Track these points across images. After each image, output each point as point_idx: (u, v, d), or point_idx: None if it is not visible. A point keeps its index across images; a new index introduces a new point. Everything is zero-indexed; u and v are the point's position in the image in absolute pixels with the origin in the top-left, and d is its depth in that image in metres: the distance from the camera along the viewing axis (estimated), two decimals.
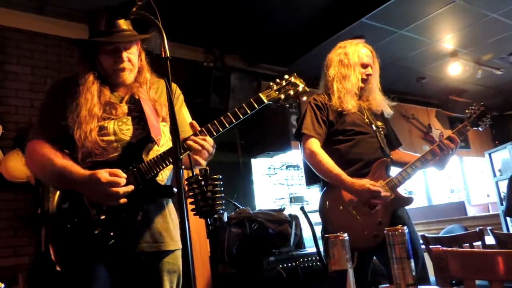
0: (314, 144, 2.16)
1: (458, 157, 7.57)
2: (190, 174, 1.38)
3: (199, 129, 1.49)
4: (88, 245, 1.40)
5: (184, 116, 1.73)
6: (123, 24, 1.50)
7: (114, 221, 1.41)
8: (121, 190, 1.36)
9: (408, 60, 5.32)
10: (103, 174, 1.35)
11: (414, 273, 1.19)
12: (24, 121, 3.44)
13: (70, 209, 1.43)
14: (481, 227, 2.70)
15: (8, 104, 3.42)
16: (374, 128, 2.26)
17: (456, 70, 5.54)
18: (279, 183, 5.10)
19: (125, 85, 1.58)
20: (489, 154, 6.47)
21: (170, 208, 1.62)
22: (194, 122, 1.51)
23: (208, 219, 3.35)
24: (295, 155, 5.10)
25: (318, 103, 2.25)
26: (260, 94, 1.57)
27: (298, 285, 3.13)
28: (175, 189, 1.31)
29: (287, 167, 5.21)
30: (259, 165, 4.99)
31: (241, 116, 1.51)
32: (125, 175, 1.39)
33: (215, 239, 3.31)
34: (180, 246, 1.57)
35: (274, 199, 4.97)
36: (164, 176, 1.57)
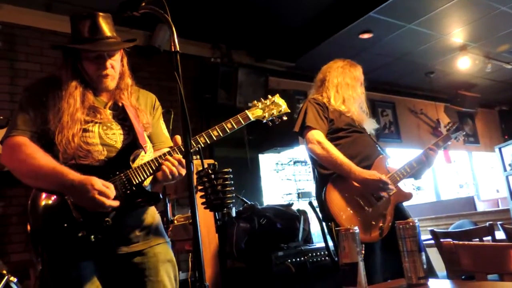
0: (320, 135, 2.23)
1: (467, 152, 7.51)
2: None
3: (179, 145, 1.50)
4: (73, 246, 1.39)
5: (161, 127, 1.75)
6: (107, 31, 1.50)
7: (99, 225, 1.40)
8: (108, 202, 1.37)
9: (417, 54, 5.27)
10: (98, 183, 1.35)
11: (425, 266, 1.19)
12: None
13: (53, 210, 1.42)
14: (491, 222, 2.68)
15: (18, 101, 3.44)
16: (368, 132, 2.40)
17: (465, 64, 5.49)
18: (287, 178, 5.10)
19: (108, 90, 1.59)
20: (499, 149, 6.39)
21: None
22: (178, 137, 1.51)
23: (216, 214, 3.37)
24: (302, 151, 5.08)
25: (318, 102, 2.36)
26: (246, 111, 1.67)
27: (306, 280, 3.14)
28: (161, 196, 1.32)
29: (294, 162, 5.21)
30: (267, 161, 4.99)
31: (228, 131, 1.59)
32: (114, 191, 1.39)
33: (223, 234, 3.32)
34: (167, 239, 1.62)
35: (282, 195, 4.98)
36: (148, 182, 1.58)
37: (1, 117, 3.08)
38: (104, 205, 1.36)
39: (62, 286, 1.42)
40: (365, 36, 4.54)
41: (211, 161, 2.60)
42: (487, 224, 2.64)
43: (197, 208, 1.17)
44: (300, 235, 3.41)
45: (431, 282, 1.20)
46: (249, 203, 3.57)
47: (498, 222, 2.73)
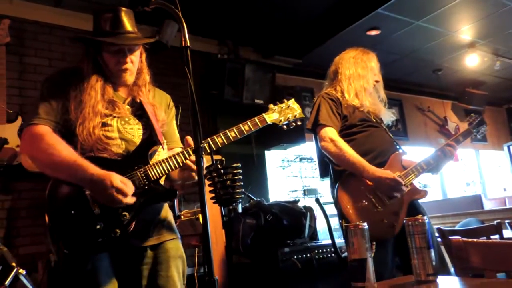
0: (333, 133, 2.18)
1: (475, 150, 7.46)
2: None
3: (191, 145, 1.50)
4: (89, 238, 1.41)
5: (174, 127, 1.78)
6: (129, 26, 1.51)
7: (116, 219, 1.42)
8: (125, 200, 1.38)
9: (425, 51, 5.24)
10: (116, 180, 1.36)
11: (434, 263, 1.18)
12: None
13: (71, 201, 1.43)
14: (498, 221, 2.67)
15: (27, 95, 3.47)
16: (384, 126, 2.35)
17: (473, 62, 5.44)
18: (293, 175, 5.10)
19: (126, 85, 1.60)
20: (508, 147, 6.36)
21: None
22: (189, 138, 1.52)
23: (223, 210, 3.38)
24: (308, 148, 5.08)
25: (331, 97, 2.30)
26: (263, 114, 1.71)
27: (312, 276, 3.14)
28: (177, 192, 1.35)
29: (300, 159, 5.21)
30: (273, 157, 4.99)
31: (245, 133, 1.61)
32: (133, 188, 1.41)
33: (229, 230, 3.33)
34: (178, 235, 1.64)
35: (288, 191, 4.98)
36: (163, 179, 1.59)
37: (11, 111, 3.11)
38: (120, 203, 1.38)
39: (77, 277, 1.43)
40: (373, 33, 4.51)
41: (219, 157, 2.61)
42: (494, 222, 2.63)
43: (206, 203, 1.18)
44: (306, 231, 3.42)
45: (440, 279, 1.20)
46: (256, 199, 3.58)
47: (506, 221, 2.72)
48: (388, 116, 2.42)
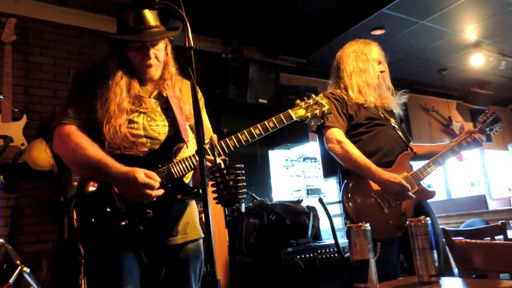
0: (340, 134, 2.14)
1: (479, 150, 7.42)
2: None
3: (215, 143, 1.49)
4: (114, 235, 1.43)
5: (204, 118, 1.74)
6: (152, 20, 1.50)
7: (141, 216, 1.43)
8: (154, 193, 1.39)
9: (429, 51, 5.22)
10: (141, 175, 1.37)
11: (437, 264, 1.18)
12: (48, 110, 3.52)
13: (97, 198, 1.46)
14: (503, 221, 2.65)
15: (32, 94, 3.49)
16: (392, 123, 2.29)
17: (478, 61, 5.42)
18: (296, 175, 5.10)
19: (152, 80, 1.60)
20: None
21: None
22: (214, 136, 1.52)
23: (226, 210, 3.38)
24: (312, 147, 5.08)
25: (336, 97, 2.25)
26: (289, 111, 1.64)
27: (316, 276, 3.14)
28: (200, 191, 1.34)
29: (304, 159, 5.20)
30: (277, 157, 5.00)
31: (270, 130, 1.57)
32: (159, 179, 1.41)
33: (233, 230, 3.34)
34: (202, 235, 1.62)
35: (291, 191, 4.98)
36: (189, 176, 1.59)
37: (16, 110, 3.13)
38: (149, 197, 1.38)
39: (101, 272, 1.44)
40: (377, 32, 4.50)
41: (222, 156, 2.61)
42: (499, 223, 2.62)
43: (209, 203, 1.18)
44: (310, 231, 3.42)
45: (443, 280, 1.19)
46: (259, 199, 3.58)
47: (511, 221, 2.71)
48: (398, 101, 2.35)
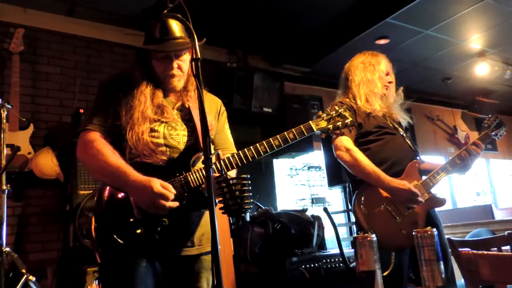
0: (348, 142, 2.15)
1: (485, 160, 7.39)
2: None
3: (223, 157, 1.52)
4: (130, 242, 1.44)
5: (226, 132, 1.77)
6: (177, 31, 1.53)
7: (157, 225, 1.44)
8: (168, 204, 1.39)
9: (434, 60, 5.22)
10: (156, 185, 1.38)
11: (443, 276, 1.18)
12: (54, 120, 3.55)
13: (115, 205, 1.47)
14: (509, 231, 2.63)
15: (39, 103, 3.53)
16: (401, 132, 2.30)
17: (483, 71, 5.41)
18: (301, 183, 5.08)
19: (175, 91, 1.62)
20: None
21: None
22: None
23: (231, 219, 3.38)
24: (317, 156, 5.07)
25: (346, 105, 2.25)
26: (310, 122, 1.62)
27: (320, 286, 3.12)
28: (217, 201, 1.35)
29: (308, 168, 5.19)
30: (281, 166, 4.99)
31: (290, 141, 1.57)
32: (174, 191, 1.42)
33: (237, 239, 3.33)
34: (218, 247, 1.62)
35: (296, 200, 4.97)
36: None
37: (23, 119, 3.16)
38: (163, 208, 1.39)
39: (115, 280, 1.46)
40: (382, 42, 4.52)
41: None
42: (505, 233, 2.59)
43: (215, 212, 1.19)
44: (314, 240, 3.41)
45: None
46: (264, 208, 3.58)
47: None
48: (402, 117, 2.38)
